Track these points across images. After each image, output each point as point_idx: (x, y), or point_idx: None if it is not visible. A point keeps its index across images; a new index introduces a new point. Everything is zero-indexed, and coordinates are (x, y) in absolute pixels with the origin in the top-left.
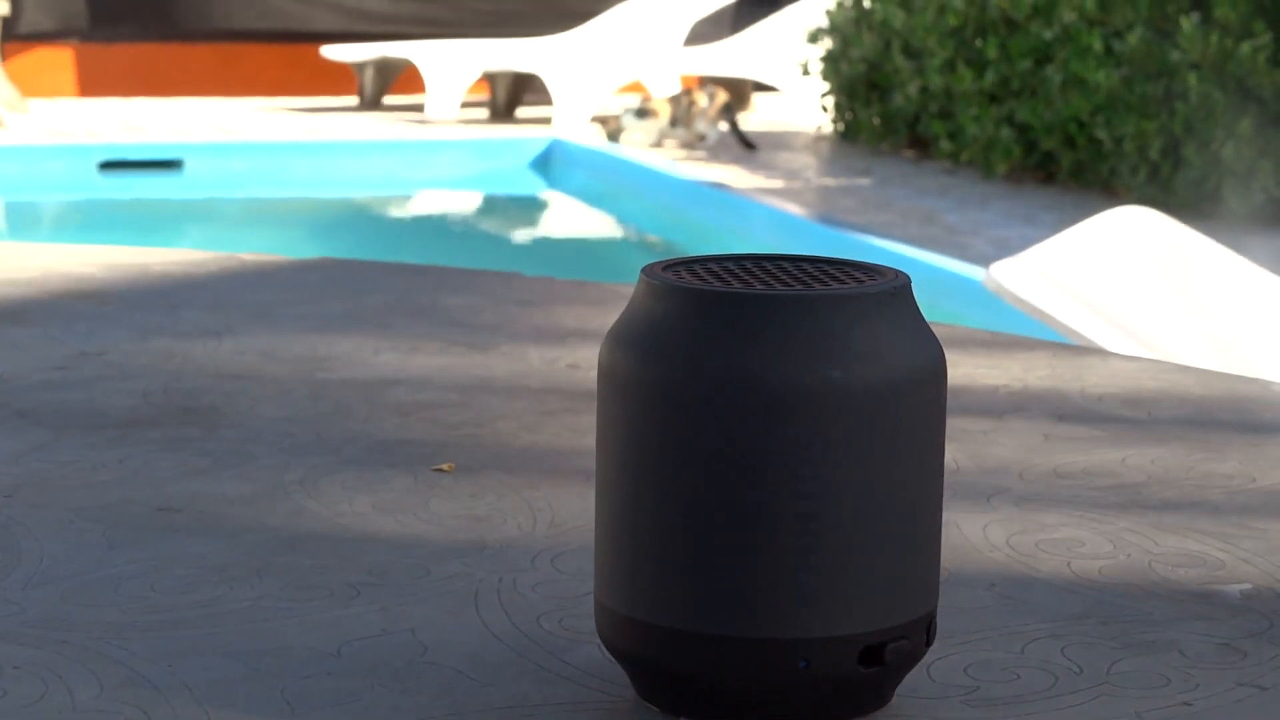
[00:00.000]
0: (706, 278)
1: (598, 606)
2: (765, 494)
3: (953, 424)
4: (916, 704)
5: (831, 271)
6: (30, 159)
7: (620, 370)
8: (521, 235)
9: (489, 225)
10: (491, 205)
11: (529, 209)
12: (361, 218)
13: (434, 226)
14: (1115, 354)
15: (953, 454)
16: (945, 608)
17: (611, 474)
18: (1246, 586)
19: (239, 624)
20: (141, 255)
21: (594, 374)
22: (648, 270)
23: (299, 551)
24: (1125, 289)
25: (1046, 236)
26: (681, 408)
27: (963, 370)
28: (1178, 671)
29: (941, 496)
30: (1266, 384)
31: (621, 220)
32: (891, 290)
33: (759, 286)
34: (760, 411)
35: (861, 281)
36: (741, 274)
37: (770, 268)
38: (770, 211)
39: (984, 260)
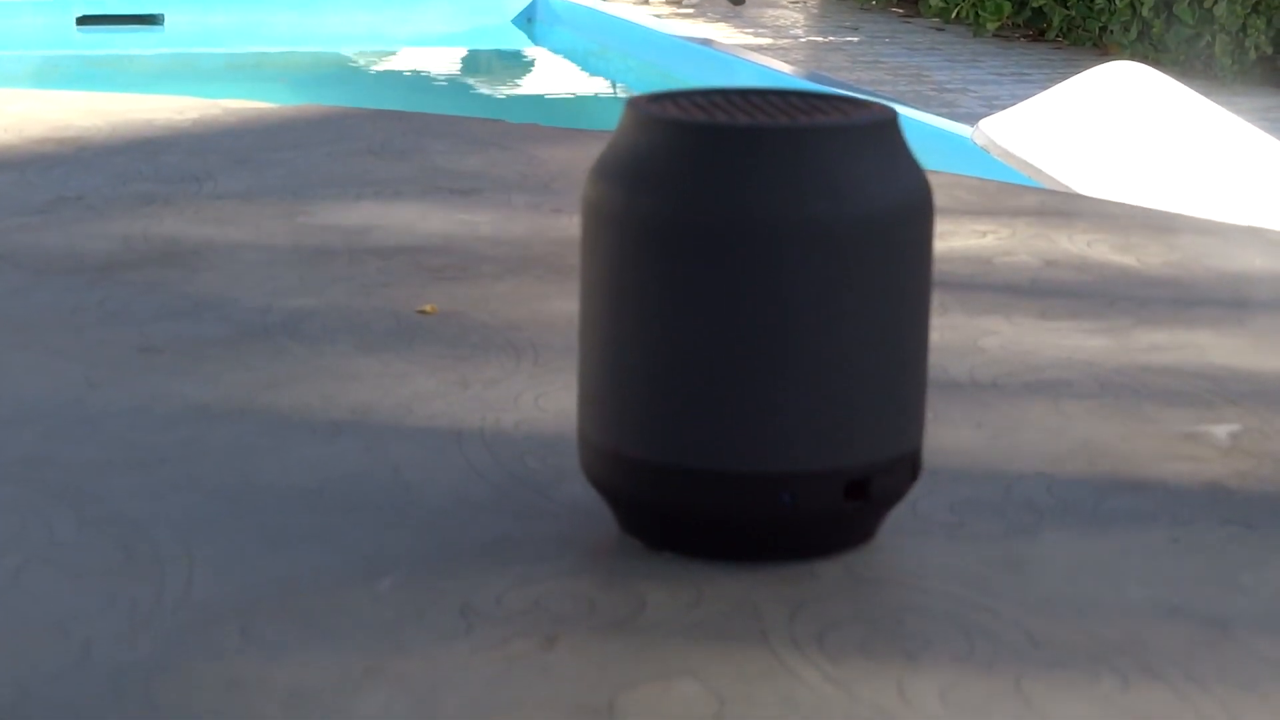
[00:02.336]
0: (692, 110)
1: (582, 442)
2: (750, 327)
3: (940, 268)
4: (901, 540)
5: (818, 105)
6: (5, 13)
7: (604, 202)
8: (505, 91)
9: (472, 81)
10: (475, 61)
11: (513, 65)
12: (344, 73)
13: (416, 82)
14: (1105, 201)
15: (940, 297)
16: (931, 447)
17: (595, 308)
18: (1235, 427)
19: (220, 462)
20: (121, 102)
21: (578, 219)
22: (634, 102)
23: (280, 391)
24: (1116, 144)
25: (1037, 94)
26: (665, 240)
27: (950, 215)
28: (1165, 510)
29: (928, 335)
30: (1256, 231)
31: (607, 77)
32: (878, 123)
33: (744, 119)
34: (745, 244)
35: (848, 115)
36: (727, 107)
37: (757, 101)
38: (757, 69)
39: (973, 118)
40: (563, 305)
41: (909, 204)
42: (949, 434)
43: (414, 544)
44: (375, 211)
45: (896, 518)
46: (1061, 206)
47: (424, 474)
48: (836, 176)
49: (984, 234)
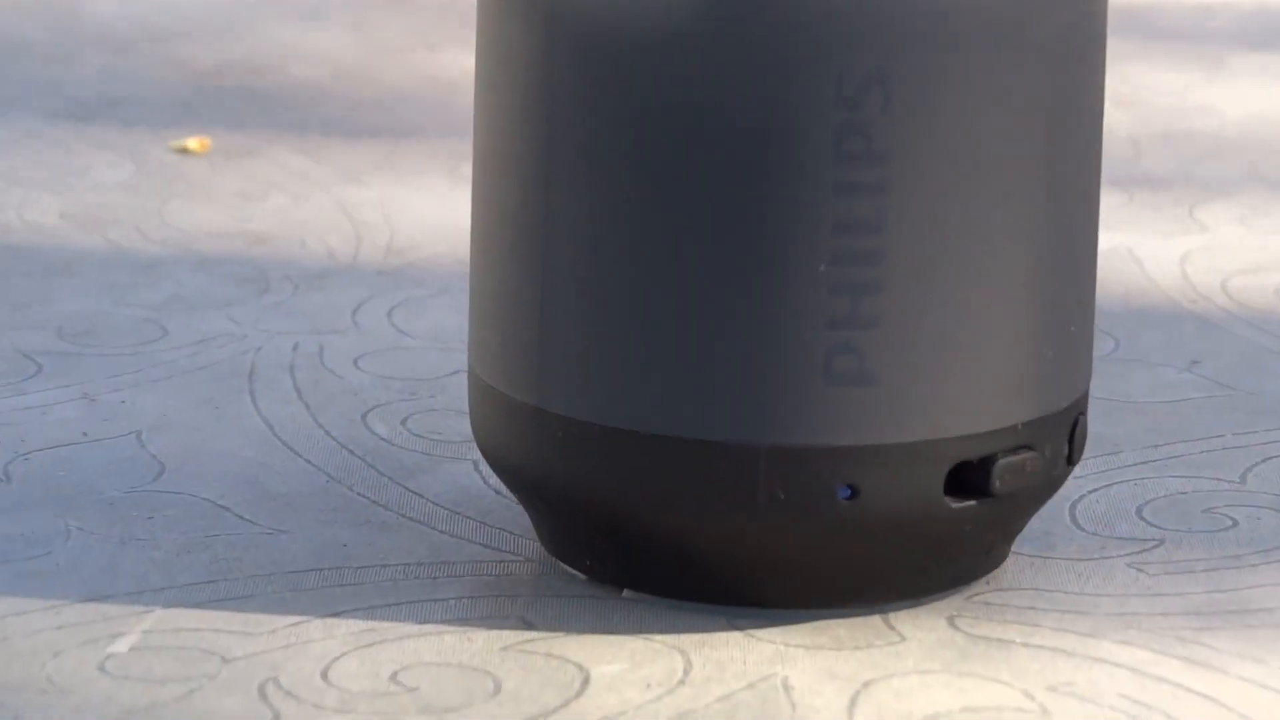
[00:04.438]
0: None
1: (476, 393)
2: (780, 186)
3: (1122, 70)
4: (1050, 570)
5: None
6: None
7: None
8: None
9: None
10: None
11: None
12: None
13: None
14: None
15: (1124, 121)
16: (1105, 399)
17: (504, 155)
18: None
19: None
20: None
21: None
22: None
23: None
24: None
25: None
26: (634, 35)
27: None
28: None
29: (1098, 201)
30: None
31: None
32: None
33: None
34: (774, 41)
35: None
36: None
37: None
38: None
39: None
40: (441, 140)
41: None
42: (1139, 377)
43: (173, 571)
44: None
45: (1043, 527)
46: None
47: (188, 445)
48: None
49: (1206, 7)
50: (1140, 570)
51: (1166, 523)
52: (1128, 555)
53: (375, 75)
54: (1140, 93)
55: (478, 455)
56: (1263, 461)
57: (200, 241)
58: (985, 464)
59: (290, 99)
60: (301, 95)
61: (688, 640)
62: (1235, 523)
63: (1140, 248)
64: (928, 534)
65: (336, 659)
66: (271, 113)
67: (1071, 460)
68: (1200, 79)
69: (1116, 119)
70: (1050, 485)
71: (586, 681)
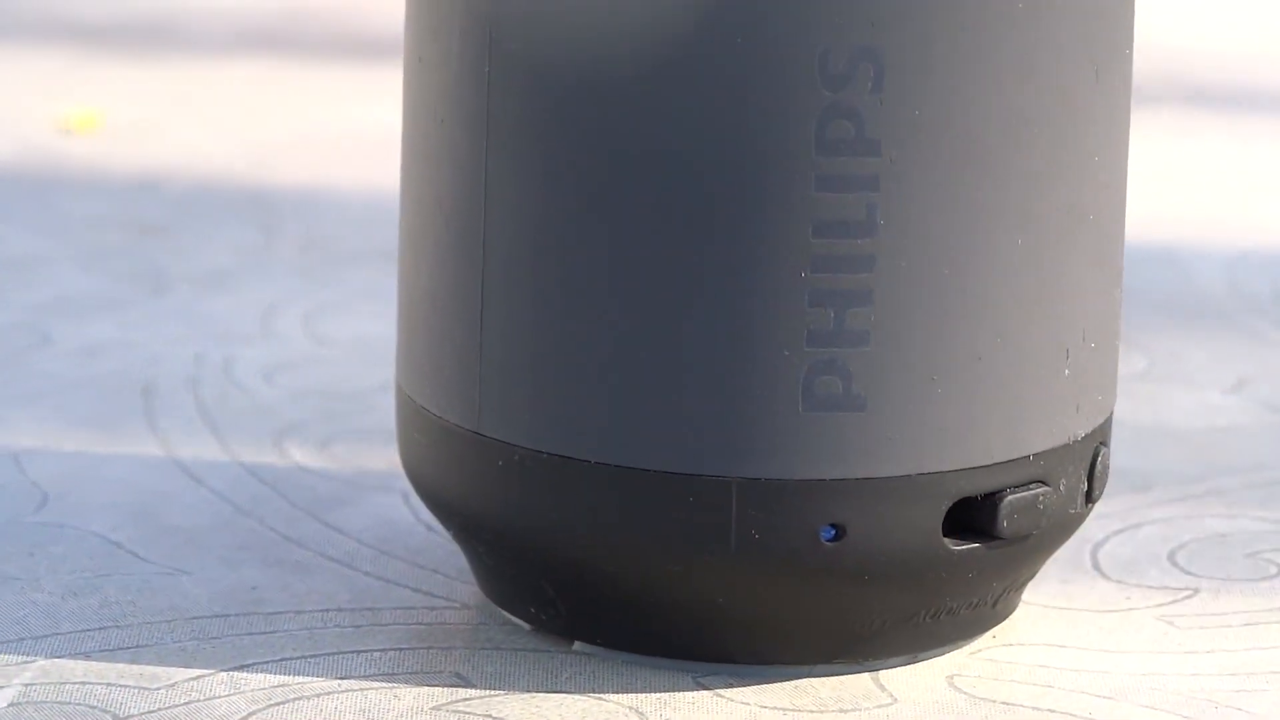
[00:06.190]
0: None
1: (406, 415)
2: (754, 179)
3: (1159, 27)
4: (1064, 624)
5: None
6: None
7: None
8: None
9: None
10: None
11: None
12: None
13: None
14: None
15: (1162, 91)
16: (1133, 426)
17: (437, 138)
18: None
19: None
20: None
21: None
22: None
23: None
24: None
25: None
26: (586, 1)
27: None
28: None
29: (1125, 191)
30: None
31: None
32: None
33: None
34: (748, 8)
35: None
36: None
37: None
38: None
39: None
40: (365, 119)
41: None
42: (1177, 403)
43: (58, 616)
44: None
45: (1059, 575)
46: None
47: (76, 472)
48: None
49: None
50: (1170, 624)
51: (1202, 569)
52: (1157, 606)
53: (290, 35)
54: (1184, 56)
55: (407, 486)
56: None
57: (87, 233)
58: (991, 501)
59: (192, 64)
60: (205, 60)
61: (646, 701)
62: None
63: (1180, 248)
64: (924, 580)
65: (245, 718)
66: (169, 80)
67: (1092, 497)
68: (1261, 35)
69: (1152, 88)
70: (1067, 526)
71: None
